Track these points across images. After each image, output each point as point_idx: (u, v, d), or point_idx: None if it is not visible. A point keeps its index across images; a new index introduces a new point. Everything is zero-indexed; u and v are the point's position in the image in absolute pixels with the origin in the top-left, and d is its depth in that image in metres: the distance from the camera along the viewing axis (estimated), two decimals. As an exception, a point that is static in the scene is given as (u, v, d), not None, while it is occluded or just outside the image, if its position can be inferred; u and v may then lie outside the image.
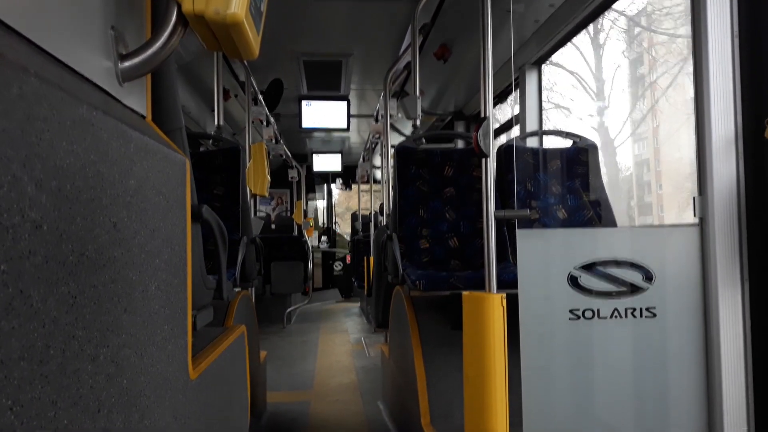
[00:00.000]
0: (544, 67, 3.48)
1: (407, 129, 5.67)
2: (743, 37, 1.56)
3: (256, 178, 3.40)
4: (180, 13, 0.71)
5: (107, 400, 0.59)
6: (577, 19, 2.84)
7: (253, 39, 0.75)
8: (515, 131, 3.90)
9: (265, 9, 0.82)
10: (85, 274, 0.55)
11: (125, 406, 0.64)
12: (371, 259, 5.12)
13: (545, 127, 3.51)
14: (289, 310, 6.55)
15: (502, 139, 4.35)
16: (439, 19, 3.19)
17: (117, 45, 0.74)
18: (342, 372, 4.15)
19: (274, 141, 4.91)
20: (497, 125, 4.19)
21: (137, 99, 0.82)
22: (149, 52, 0.74)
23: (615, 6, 2.75)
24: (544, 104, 3.48)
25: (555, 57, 3.39)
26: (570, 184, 2.58)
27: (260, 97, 4.29)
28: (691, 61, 1.64)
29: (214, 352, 1.16)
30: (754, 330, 1.54)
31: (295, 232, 7.09)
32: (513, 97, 4.07)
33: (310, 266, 6.66)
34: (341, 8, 3.39)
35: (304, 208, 7.86)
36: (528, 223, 2.46)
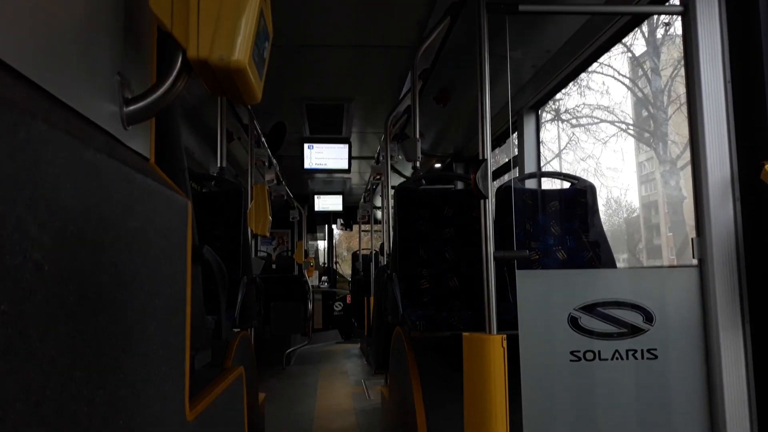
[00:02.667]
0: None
1: (407, 170, 5.72)
2: (736, 83, 1.60)
3: (258, 218, 3.41)
4: (185, 59, 0.73)
5: None
6: (573, 65, 2.91)
7: (256, 84, 0.77)
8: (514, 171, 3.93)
9: (268, 55, 0.84)
10: (84, 314, 0.55)
11: None
12: (371, 299, 5.09)
13: None
14: (288, 351, 6.47)
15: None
16: (439, 65, 3.26)
17: (122, 90, 0.76)
18: (342, 415, 4.07)
19: (276, 182, 4.95)
20: (497, 167, 4.23)
21: (141, 142, 0.84)
22: (154, 96, 0.76)
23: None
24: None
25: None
26: (569, 225, 2.59)
27: (263, 139, 4.35)
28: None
29: (212, 393, 1.15)
30: (757, 372, 1.53)
31: (296, 272, 7.07)
32: (511, 140, 4.12)
33: (310, 306, 6.61)
34: (343, 54, 3.47)
35: (305, 248, 7.85)
36: (528, 264, 2.46)
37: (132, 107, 0.76)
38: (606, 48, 2.68)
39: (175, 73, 0.75)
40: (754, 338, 1.53)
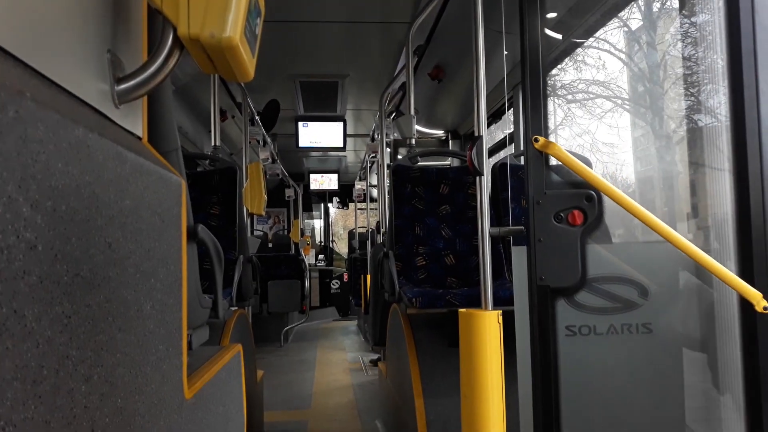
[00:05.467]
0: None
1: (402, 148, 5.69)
2: (733, 58, 1.59)
3: (253, 197, 3.41)
4: (176, 37, 0.72)
5: (101, 420, 0.59)
6: (569, 39, 2.88)
7: (249, 61, 0.76)
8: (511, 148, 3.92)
9: (260, 32, 0.83)
10: (79, 293, 0.55)
11: (119, 426, 0.64)
12: (368, 277, 5.12)
13: None
14: (286, 328, 6.52)
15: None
16: (434, 41, 3.23)
17: (113, 68, 0.75)
18: (340, 391, 4.12)
19: (270, 161, 4.93)
20: (492, 144, 4.22)
21: (133, 121, 0.83)
22: (145, 74, 0.75)
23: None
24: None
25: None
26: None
27: (257, 117, 4.32)
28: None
29: (210, 371, 1.16)
30: (751, 345, 1.54)
31: (293, 251, 7.09)
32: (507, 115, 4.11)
33: (307, 284, 6.64)
34: (336, 30, 3.43)
35: (301, 226, 7.86)
36: (524, 240, 2.46)
37: (123, 86, 0.76)
38: (602, 22, 2.66)
39: (166, 51, 0.74)
40: (748, 311, 1.55)
